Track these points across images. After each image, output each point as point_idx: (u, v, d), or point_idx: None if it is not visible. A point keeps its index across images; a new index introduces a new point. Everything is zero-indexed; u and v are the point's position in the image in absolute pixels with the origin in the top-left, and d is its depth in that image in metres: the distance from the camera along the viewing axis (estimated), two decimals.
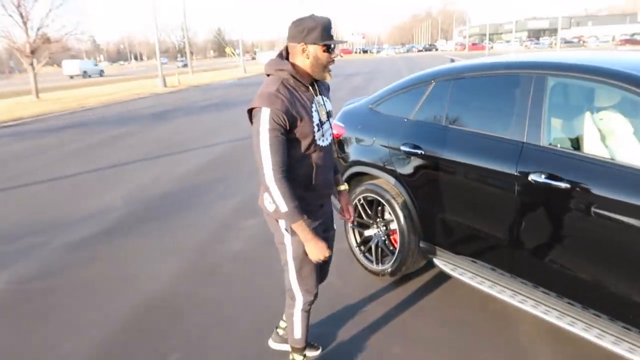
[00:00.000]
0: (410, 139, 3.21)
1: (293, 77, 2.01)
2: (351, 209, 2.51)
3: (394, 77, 25.97)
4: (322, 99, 2.15)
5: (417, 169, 3.15)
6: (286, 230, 2.19)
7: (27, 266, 4.06)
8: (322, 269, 2.48)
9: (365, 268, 3.64)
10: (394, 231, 3.47)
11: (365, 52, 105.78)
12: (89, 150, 9.19)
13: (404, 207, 3.27)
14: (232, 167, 7.22)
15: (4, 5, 18.97)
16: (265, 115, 1.92)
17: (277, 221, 2.20)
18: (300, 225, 2.04)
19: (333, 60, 2.04)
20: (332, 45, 2.01)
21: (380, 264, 3.54)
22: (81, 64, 53.90)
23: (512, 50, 54.94)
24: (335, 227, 2.49)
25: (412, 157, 3.16)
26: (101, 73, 54.78)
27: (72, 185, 6.62)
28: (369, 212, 3.61)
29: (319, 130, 2.09)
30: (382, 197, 3.39)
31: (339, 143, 3.85)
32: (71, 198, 6.00)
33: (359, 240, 3.73)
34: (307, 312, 2.41)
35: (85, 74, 51.62)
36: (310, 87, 2.08)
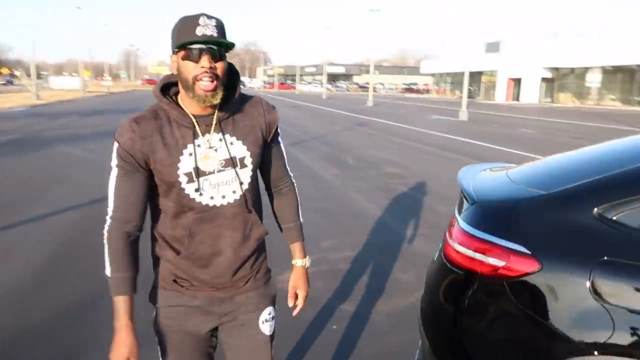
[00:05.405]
0: None
1: (168, 103, 1.44)
2: (301, 297, 1.66)
3: None
4: (225, 139, 1.45)
5: None
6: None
7: None
8: None
9: None
10: None
11: None
12: None
13: None
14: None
15: None
16: (114, 149, 1.43)
17: None
18: (117, 305, 1.41)
19: (206, 72, 1.33)
20: (200, 50, 1.32)
21: None
22: None
23: (317, 93, 57.31)
24: None
25: None
26: None
27: None
28: None
29: (191, 181, 1.42)
30: None
31: (513, 288, 1.77)
32: None
33: None
34: None
35: None
36: (195, 120, 1.41)
